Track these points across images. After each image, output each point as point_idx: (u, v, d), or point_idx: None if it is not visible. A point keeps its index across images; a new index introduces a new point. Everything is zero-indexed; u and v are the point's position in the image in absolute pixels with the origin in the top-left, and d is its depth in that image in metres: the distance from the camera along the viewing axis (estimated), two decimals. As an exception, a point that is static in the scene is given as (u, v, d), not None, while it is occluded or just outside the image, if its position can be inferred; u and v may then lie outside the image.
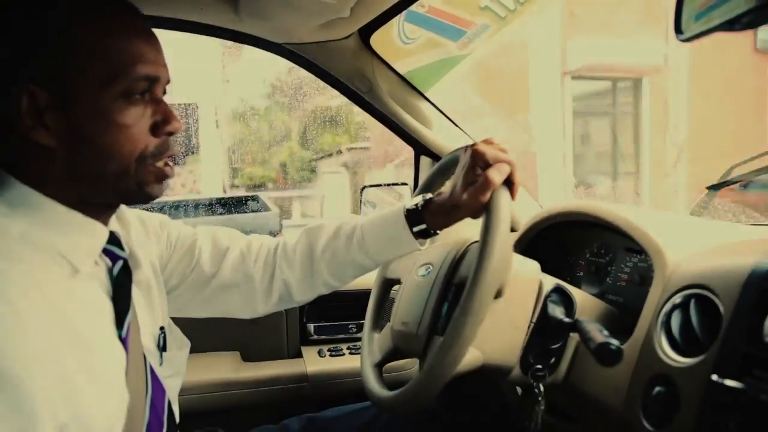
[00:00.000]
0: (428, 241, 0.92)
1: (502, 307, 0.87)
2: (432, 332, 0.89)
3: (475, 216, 0.82)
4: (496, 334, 0.88)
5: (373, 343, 1.06)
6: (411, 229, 0.88)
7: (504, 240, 0.74)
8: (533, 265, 0.93)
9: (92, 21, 0.66)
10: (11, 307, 0.57)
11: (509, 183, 0.81)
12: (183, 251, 0.95)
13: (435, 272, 0.94)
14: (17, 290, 0.58)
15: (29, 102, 0.63)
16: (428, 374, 0.76)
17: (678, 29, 0.73)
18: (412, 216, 0.89)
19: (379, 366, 1.01)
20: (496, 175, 0.79)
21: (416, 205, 0.89)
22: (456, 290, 0.89)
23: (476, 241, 0.82)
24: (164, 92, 0.74)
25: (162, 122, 0.71)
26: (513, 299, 0.88)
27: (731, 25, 0.64)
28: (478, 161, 0.81)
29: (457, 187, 0.83)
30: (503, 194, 0.79)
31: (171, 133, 0.73)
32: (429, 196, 0.91)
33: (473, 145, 0.83)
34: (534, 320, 0.91)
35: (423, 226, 0.88)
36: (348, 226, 0.95)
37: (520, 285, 0.89)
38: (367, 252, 0.93)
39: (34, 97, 0.63)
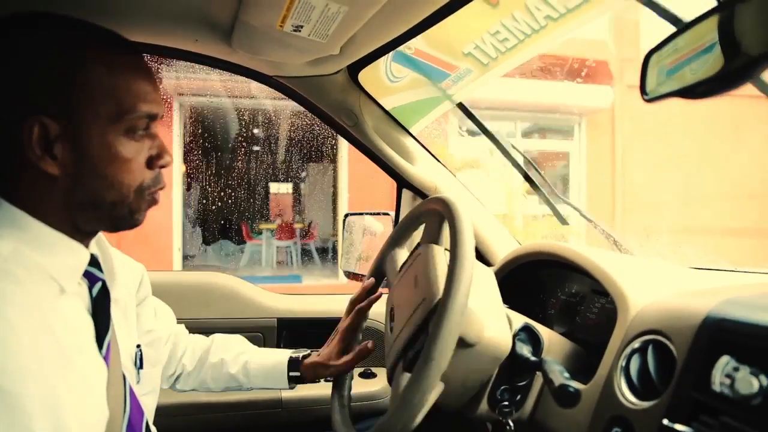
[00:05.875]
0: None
1: (457, 365, 0.84)
2: (399, 359, 0.88)
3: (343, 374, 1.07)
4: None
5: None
6: (288, 374, 1.12)
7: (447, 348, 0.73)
8: (505, 340, 0.89)
9: (104, 61, 0.70)
10: (10, 326, 0.60)
11: None
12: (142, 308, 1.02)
13: (414, 305, 0.88)
14: (16, 310, 0.61)
15: (40, 132, 0.66)
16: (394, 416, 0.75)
17: (643, 90, 0.79)
18: (293, 363, 1.12)
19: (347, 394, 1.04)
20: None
21: (299, 356, 1.13)
22: (415, 353, 0.86)
23: None
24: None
25: (156, 156, 0.76)
26: (472, 363, 0.87)
27: (685, 94, 0.69)
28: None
29: (333, 351, 1.09)
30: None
31: (163, 167, 0.77)
32: (308, 352, 1.14)
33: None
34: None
35: (298, 374, 1.12)
36: (245, 355, 1.15)
37: (483, 356, 0.87)
38: (249, 379, 1.14)
39: (46, 128, 0.67)
